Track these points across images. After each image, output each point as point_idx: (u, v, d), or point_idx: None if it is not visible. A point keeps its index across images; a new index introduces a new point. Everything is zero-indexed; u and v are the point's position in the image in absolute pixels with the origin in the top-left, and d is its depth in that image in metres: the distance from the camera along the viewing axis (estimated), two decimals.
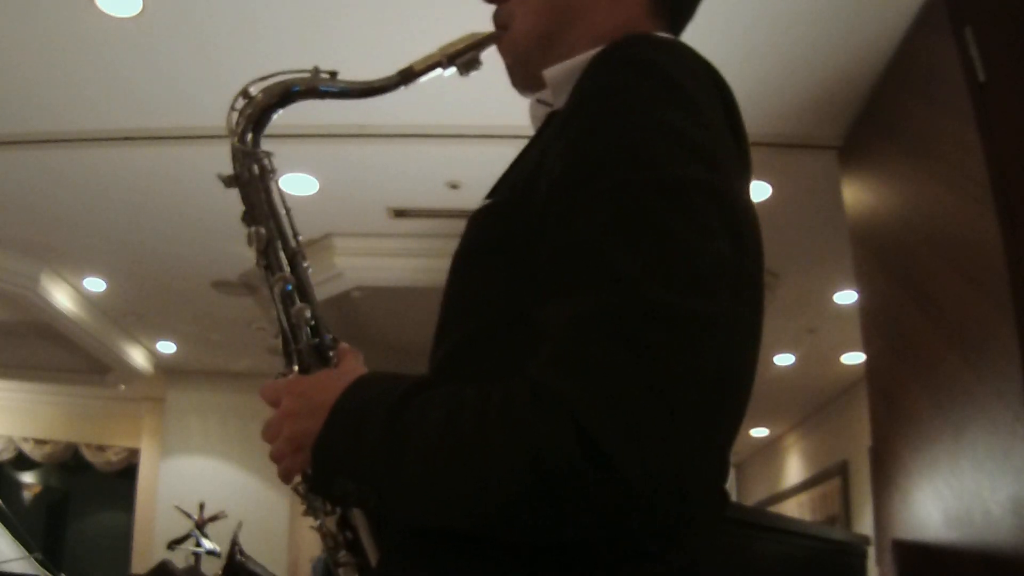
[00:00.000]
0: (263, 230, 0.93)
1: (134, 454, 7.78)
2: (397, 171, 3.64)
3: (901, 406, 2.57)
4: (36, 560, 3.13)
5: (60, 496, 8.67)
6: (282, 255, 0.93)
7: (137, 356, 6.17)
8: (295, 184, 3.66)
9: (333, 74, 0.96)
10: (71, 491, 8.71)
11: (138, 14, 2.66)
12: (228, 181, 0.96)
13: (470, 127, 3.23)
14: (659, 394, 0.59)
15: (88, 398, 7.71)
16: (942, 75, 2.30)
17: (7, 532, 3.11)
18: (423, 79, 0.96)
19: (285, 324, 0.90)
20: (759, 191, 3.59)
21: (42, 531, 8.17)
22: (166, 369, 6.62)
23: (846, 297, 4.47)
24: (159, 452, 6.91)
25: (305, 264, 0.94)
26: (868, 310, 2.98)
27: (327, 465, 0.74)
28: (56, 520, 8.49)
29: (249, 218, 0.95)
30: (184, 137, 3.32)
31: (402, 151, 3.43)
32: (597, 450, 0.58)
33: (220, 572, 2.90)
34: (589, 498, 0.60)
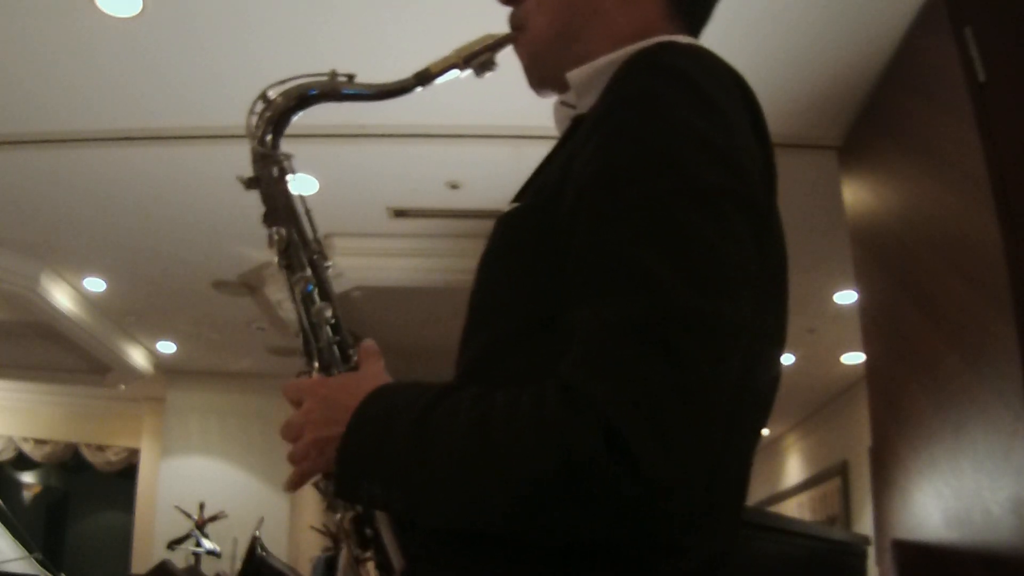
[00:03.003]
0: (283, 231, 0.95)
1: (134, 454, 7.79)
2: (397, 171, 3.64)
3: (901, 406, 2.57)
4: (36, 560, 3.13)
5: (60, 496, 8.67)
6: (302, 255, 0.95)
7: (137, 356, 6.17)
8: (295, 184, 3.64)
9: (350, 77, 0.97)
10: (71, 491, 8.71)
11: (138, 14, 2.66)
12: (249, 183, 0.97)
13: (470, 127, 3.23)
14: (687, 398, 0.62)
15: (88, 398, 7.72)
16: (942, 75, 2.30)
17: (7, 532, 3.11)
18: (439, 81, 0.97)
19: (306, 323, 0.92)
20: None
21: (42, 531, 8.17)
22: (166, 369, 6.62)
23: (846, 297, 4.47)
24: (159, 452, 6.91)
25: (326, 264, 0.96)
26: (868, 310, 2.98)
27: (353, 469, 0.75)
28: (56, 520, 8.49)
29: (270, 219, 0.96)
30: (184, 137, 3.31)
31: (402, 151, 3.43)
32: (626, 450, 0.60)
33: (241, 569, 2.86)
34: (616, 495, 0.61)
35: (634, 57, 0.78)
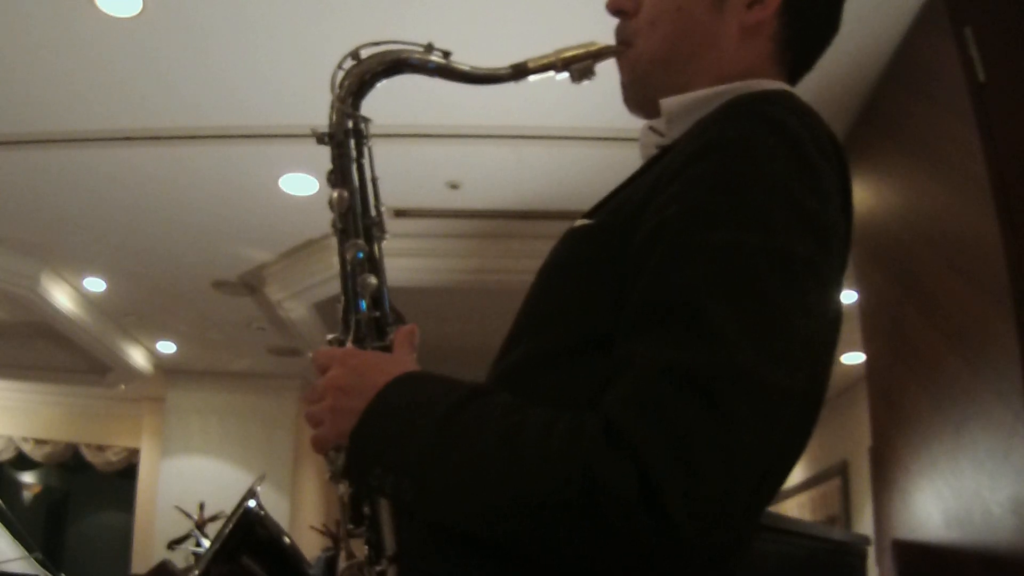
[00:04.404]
0: (346, 194, 0.93)
1: (134, 454, 7.78)
2: (397, 171, 3.64)
3: (901, 406, 2.57)
4: (36, 560, 3.13)
5: (60, 496, 8.67)
6: (360, 223, 0.93)
7: (137, 356, 6.17)
8: (295, 184, 3.64)
9: (446, 54, 0.95)
10: (71, 491, 8.70)
11: (138, 14, 2.66)
12: (321, 138, 0.96)
13: (470, 127, 3.22)
14: (727, 459, 0.61)
15: (88, 398, 7.71)
16: (942, 75, 2.30)
17: (7, 532, 3.11)
18: (533, 78, 0.95)
19: (349, 291, 0.90)
20: None
21: (42, 531, 8.17)
22: (166, 369, 6.62)
23: (846, 297, 4.47)
24: (159, 452, 6.90)
25: (383, 237, 0.94)
26: (868, 310, 2.98)
27: (366, 452, 0.74)
28: (56, 520, 8.48)
29: (334, 179, 0.94)
30: (184, 137, 3.31)
31: (402, 151, 3.42)
32: (655, 497, 0.60)
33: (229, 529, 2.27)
34: (632, 536, 0.61)
35: (737, 101, 0.77)
